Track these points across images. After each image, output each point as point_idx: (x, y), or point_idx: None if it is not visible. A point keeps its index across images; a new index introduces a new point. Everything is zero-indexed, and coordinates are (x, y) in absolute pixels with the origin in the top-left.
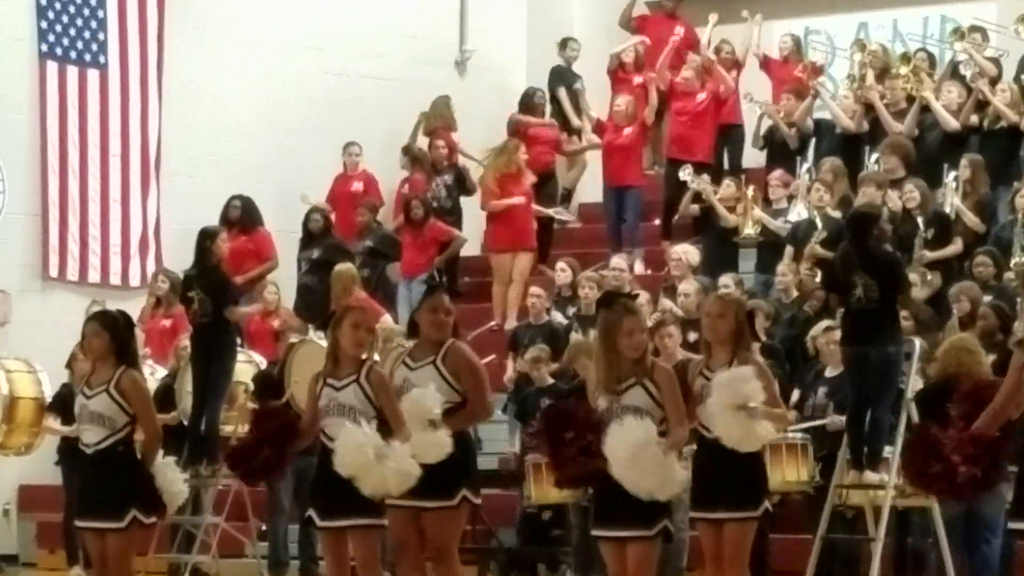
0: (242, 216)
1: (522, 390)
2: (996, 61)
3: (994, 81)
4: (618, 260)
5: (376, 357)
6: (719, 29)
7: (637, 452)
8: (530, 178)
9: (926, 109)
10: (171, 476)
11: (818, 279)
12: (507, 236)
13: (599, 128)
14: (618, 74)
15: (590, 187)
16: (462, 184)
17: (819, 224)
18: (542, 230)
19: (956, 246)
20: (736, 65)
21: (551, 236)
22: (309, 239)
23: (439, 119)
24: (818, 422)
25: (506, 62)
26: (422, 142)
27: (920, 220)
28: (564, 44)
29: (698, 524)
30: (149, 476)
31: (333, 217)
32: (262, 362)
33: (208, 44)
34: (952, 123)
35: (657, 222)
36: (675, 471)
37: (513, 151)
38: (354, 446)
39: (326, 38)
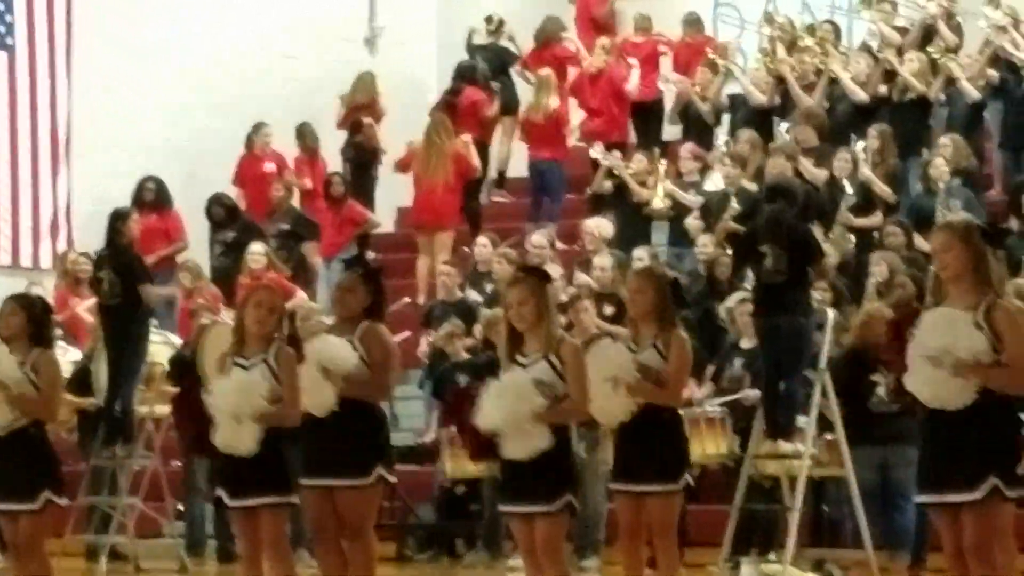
0: (156, 197)
1: (437, 366)
2: (904, 31)
3: (901, 51)
4: (539, 237)
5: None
6: (645, 3)
7: (514, 403)
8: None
9: (835, 81)
10: None
11: (729, 252)
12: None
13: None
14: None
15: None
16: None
17: (733, 199)
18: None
19: (877, 217)
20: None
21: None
22: (216, 225)
23: (366, 94)
24: (735, 396)
25: (416, 38)
26: (328, 119)
27: (847, 186)
28: (501, 24)
29: (617, 497)
30: (59, 457)
31: (243, 198)
32: (178, 342)
33: (117, 24)
34: (860, 94)
35: (569, 196)
36: (535, 435)
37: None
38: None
39: (236, 16)
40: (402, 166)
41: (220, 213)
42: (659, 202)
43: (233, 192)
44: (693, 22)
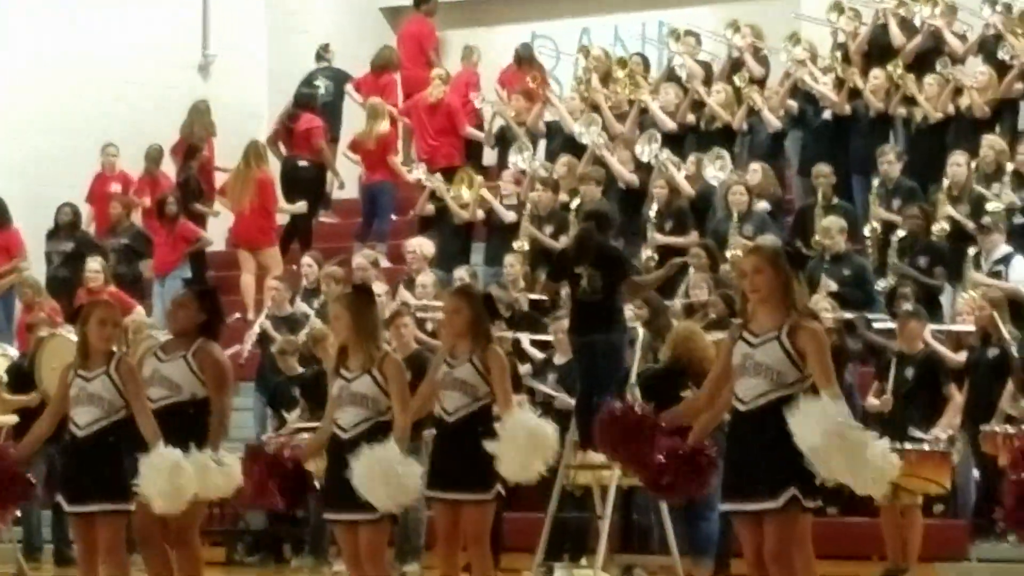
0: None
1: (269, 379)
2: (707, 65)
3: (709, 82)
4: (359, 258)
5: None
6: (465, 33)
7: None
8: None
9: (645, 110)
10: None
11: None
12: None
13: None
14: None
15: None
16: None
17: (534, 215)
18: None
19: (692, 236)
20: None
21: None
22: (57, 231)
23: (203, 127)
24: (548, 391)
25: (248, 66)
26: (166, 141)
27: (655, 209)
28: (326, 49)
29: (434, 504)
30: None
31: (93, 215)
32: (15, 354)
33: None
34: (669, 124)
35: (394, 217)
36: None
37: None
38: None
39: (77, 42)
40: (219, 191)
41: (66, 218)
42: (478, 221)
43: (86, 209)
44: (528, 58)
